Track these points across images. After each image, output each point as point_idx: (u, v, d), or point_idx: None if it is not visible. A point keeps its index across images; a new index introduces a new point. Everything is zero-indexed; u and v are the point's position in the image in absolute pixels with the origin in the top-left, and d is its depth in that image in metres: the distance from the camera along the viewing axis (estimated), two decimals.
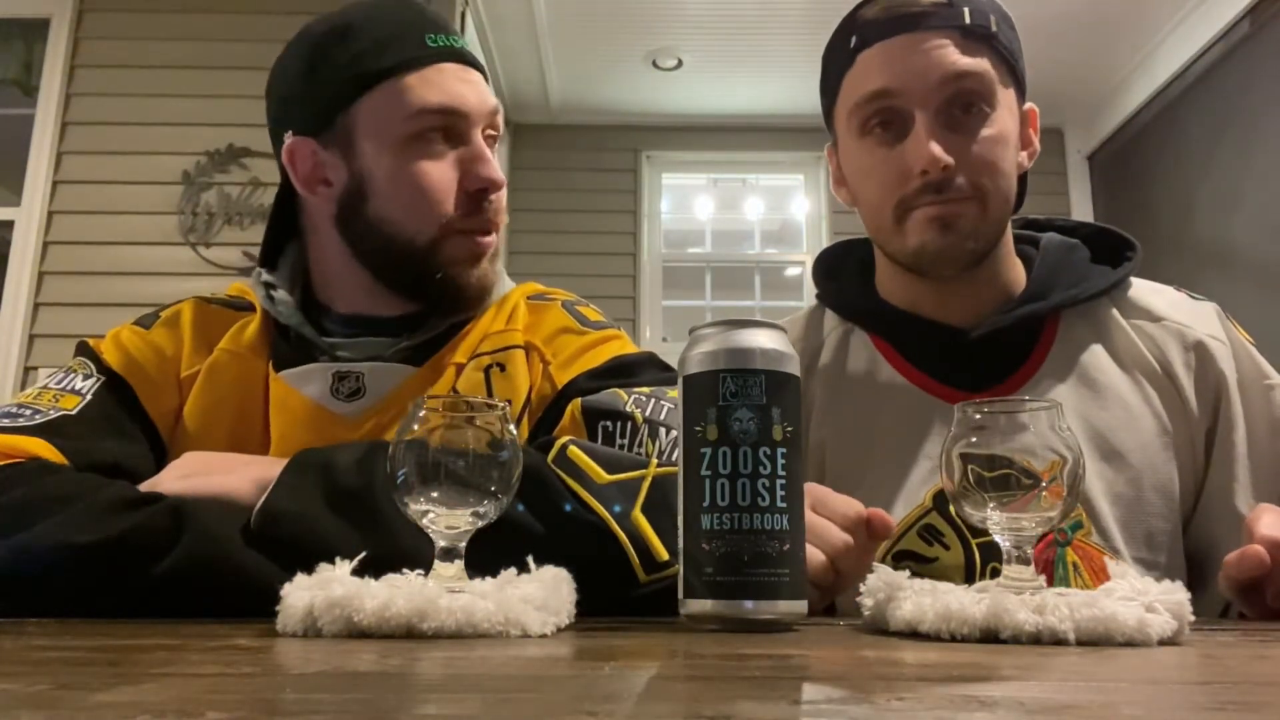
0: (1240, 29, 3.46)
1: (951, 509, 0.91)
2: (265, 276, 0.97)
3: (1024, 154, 1.01)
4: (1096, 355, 0.98)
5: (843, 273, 1.13)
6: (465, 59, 0.93)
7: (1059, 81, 3.99)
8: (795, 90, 4.26)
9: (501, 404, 0.61)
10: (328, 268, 0.97)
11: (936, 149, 0.92)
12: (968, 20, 0.94)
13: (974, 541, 0.93)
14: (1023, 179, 1.02)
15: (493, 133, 0.95)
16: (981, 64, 0.94)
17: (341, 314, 0.96)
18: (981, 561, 0.92)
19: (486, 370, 0.91)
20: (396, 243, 0.90)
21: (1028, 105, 1.02)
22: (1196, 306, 1.02)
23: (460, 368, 0.91)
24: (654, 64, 4.19)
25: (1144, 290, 1.03)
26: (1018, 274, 1.03)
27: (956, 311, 1.00)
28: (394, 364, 0.91)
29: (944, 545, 0.94)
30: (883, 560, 0.95)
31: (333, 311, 0.96)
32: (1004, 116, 0.96)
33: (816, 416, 1.03)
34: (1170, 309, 1.00)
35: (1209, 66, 3.65)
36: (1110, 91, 4.23)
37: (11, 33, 3.46)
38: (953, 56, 0.93)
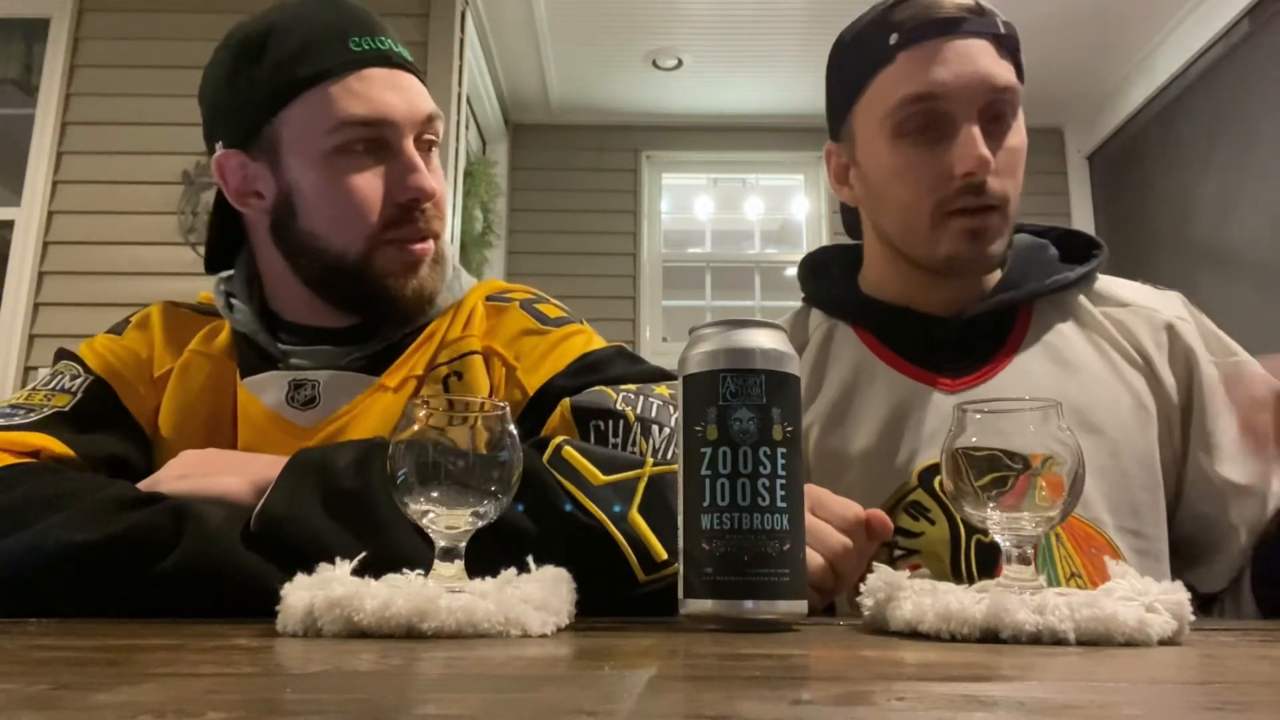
0: (1240, 29, 3.46)
1: (937, 484, 0.94)
2: (224, 285, 0.97)
3: None
4: (1070, 337, 1.02)
5: (828, 273, 1.16)
6: (393, 61, 0.89)
7: (1059, 81, 3.99)
8: (795, 90, 4.26)
9: (502, 404, 0.61)
10: (273, 278, 0.95)
11: (985, 151, 0.94)
12: (1001, 30, 0.97)
13: (959, 516, 0.94)
14: None
15: (430, 138, 0.92)
16: (1012, 75, 0.98)
17: (292, 323, 0.95)
18: (966, 535, 0.94)
19: (445, 380, 0.90)
20: (327, 257, 0.88)
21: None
22: (1162, 293, 1.06)
23: (420, 380, 0.91)
24: (654, 64, 4.19)
25: (1110, 282, 1.07)
26: (994, 270, 1.07)
27: (937, 303, 1.04)
28: (350, 373, 0.90)
29: (930, 520, 0.96)
30: None
31: (284, 320, 0.95)
32: (1022, 126, 1.00)
33: (802, 404, 1.06)
34: (1136, 296, 1.05)
35: (1209, 67, 3.65)
36: (1110, 91, 4.23)
37: (11, 33, 3.46)
38: (995, 66, 0.96)
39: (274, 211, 0.90)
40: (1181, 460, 0.99)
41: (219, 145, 0.90)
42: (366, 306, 0.92)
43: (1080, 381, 0.98)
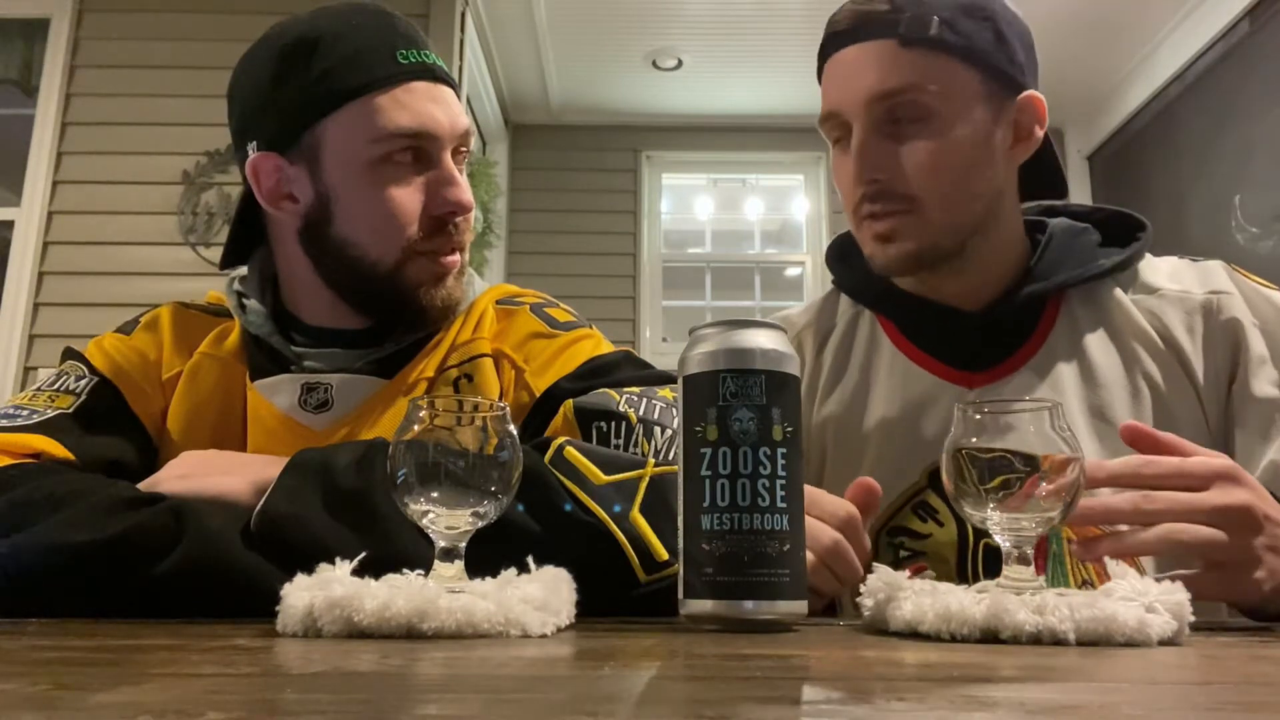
0: (1240, 29, 3.46)
1: None
2: (237, 285, 0.97)
3: (1020, 146, 0.99)
4: (1097, 336, 0.98)
5: (855, 256, 1.11)
6: (437, 75, 0.90)
7: (1059, 81, 3.99)
8: (795, 90, 4.25)
9: (501, 404, 0.61)
10: (293, 279, 0.95)
11: (857, 168, 0.95)
12: (903, 28, 0.93)
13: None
14: (1032, 166, 1.01)
15: (464, 151, 0.93)
16: (912, 76, 0.92)
17: (308, 325, 0.95)
18: (975, 538, 0.93)
19: (455, 383, 0.91)
20: (360, 265, 0.89)
21: (1028, 93, 0.98)
22: (1200, 268, 1.01)
23: (430, 382, 0.91)
24: (654, 64, 4.19)
25: (1146, 266, 1.02)
26: (1019, 256, 1.02)
27: (956, 295, 1.01)
28: (362, 376, 0.91)
29: (938, 522, 0.95)
30: (876, 536, 0.96)
31: (300, 322, 0.95)
32: (954, 120, 0.94)
33: (821, 394, 1.05)
34: (1169, 280, 1.00)
35: (1209, 67, 3.65)
36: (1110, 91, 4.23)
37: (11, 33, 3.46)
38: (878, 74, 0.93)
39: (307, 216, 0.90)
40: (1223, 437, 0.94)
41: (253, 147, 0.90)
42: (393, 313, 0.92)
43: (1102, 383, 0.95)
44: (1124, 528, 0.69)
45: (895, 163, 0.94)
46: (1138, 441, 0.73)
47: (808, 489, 0.76)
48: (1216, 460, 0.71)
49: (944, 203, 0.95)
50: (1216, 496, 0.69)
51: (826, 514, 0.74)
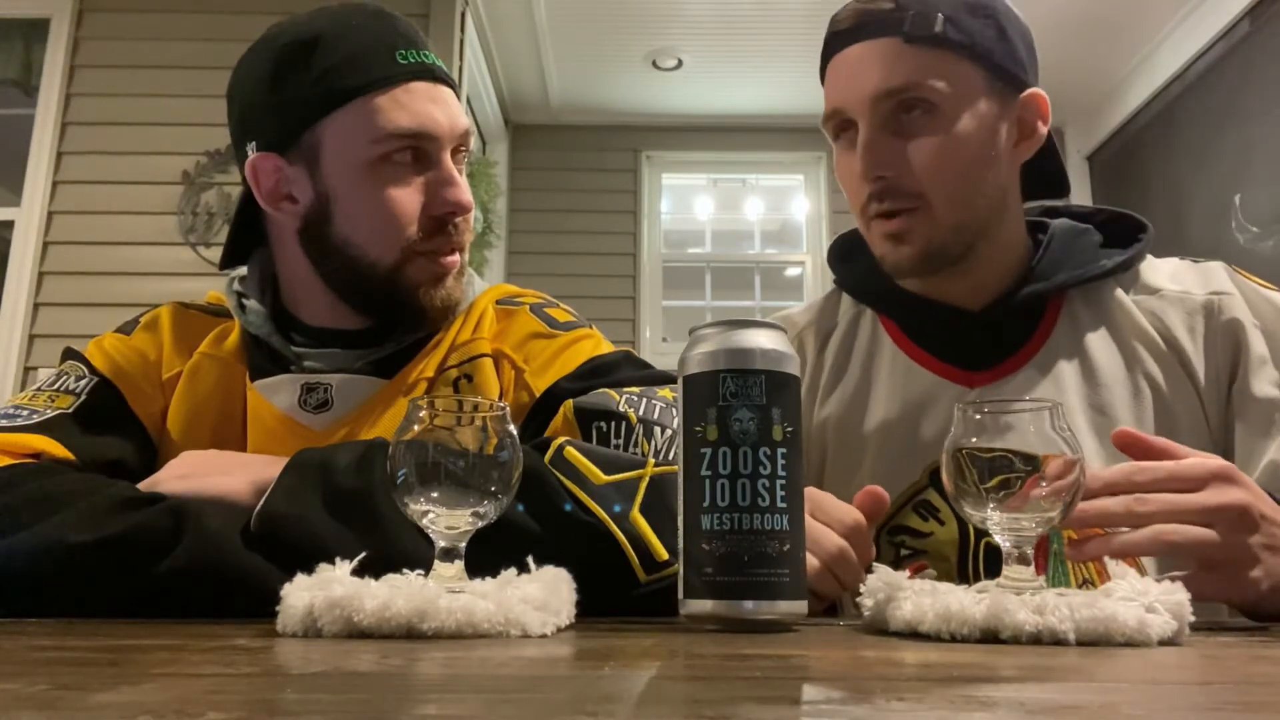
0: (1240, 29, 3.46)
1: None
2: (237, 285, 0.97)
3: (1024, 144, 0.99)
4: (1098, 335, 0.98)
5: (857, 256, 1.12)
6: (436, 75, 0.90)
7: (1059, 81, 3.97)
8: (795, 90, 4.26)
9: (501, 404, 0.61)
10: (293, 280, 0.96)
11: (864, 165, 0.94)
12: (907, 26, 0.93)
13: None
14: (1034, 166, 1.01)
15: (464, 151, 0.93)
16: (917, 73, 0.92)
17: (308, 325, 0.95)
18: (976, 537, 0.93)
19: (455, 383, 0.91)
20: (359, 265, 0.89)
21: (1031, 90, 0.99)
22: (1201, 269, 1.01)
23: (430, 383, 0.91)
24: (654, 64, 4.19)
25: (1148, 267, 1.02)
26: (1021, 256, 1.02)
27: (958, 295, 1.01)
28: (362, 376, 0.91)
29: (939, 521, 0.95)
30: (877, 535, 0.96)
31: (300, 322, 0.96)
32: (959, 116, 0.94)
33: (822, 394, 1.05)
34: (1170, 280, 1.00)
35: (1209, 66, 3.65)
36: (1110, 91, 4.23)
37: (11, 33, 3.46)
38: (883, 72, 0.93)
39: (307, 216, 0.90)
40: (1225, 438, 0.94)
41: (252, 147, 0.90)
42: (393, 314, 0.92)
43: (1103, 383, 0.95)
44: (1125, 530, 0.69)
45: (902, 159, 0.94)
46: (1130, 448, 0.73)
47: (815, 493, 0.76)
48: (1212, 461, 0.71)
49: (951, 200, 0.95)
50: (1210, 497, 0.69)
51: (834, 520, 0.74)
